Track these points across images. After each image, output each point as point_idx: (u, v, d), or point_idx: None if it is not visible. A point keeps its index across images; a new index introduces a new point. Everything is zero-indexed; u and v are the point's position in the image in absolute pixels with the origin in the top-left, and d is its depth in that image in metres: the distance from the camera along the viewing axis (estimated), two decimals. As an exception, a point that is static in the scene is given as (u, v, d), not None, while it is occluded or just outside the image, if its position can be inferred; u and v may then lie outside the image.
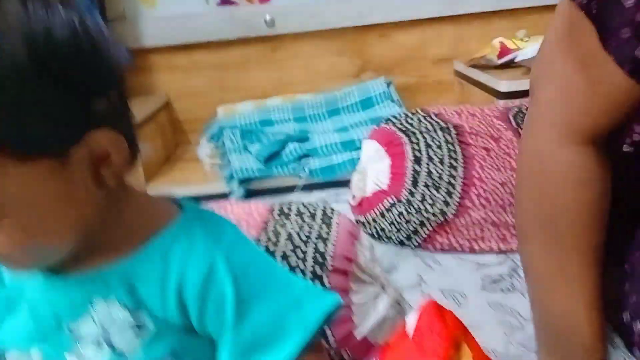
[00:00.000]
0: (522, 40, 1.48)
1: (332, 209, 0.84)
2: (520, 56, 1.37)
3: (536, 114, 0.67)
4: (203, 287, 0.47)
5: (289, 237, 0.75)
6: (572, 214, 0.63)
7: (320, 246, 0.74)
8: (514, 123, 1.08)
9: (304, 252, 0.73)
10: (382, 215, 1.03)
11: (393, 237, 1.03)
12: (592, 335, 0.64)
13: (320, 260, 0.72)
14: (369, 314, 0.75)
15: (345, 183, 1.22)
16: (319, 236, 0.76)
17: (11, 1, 0.39)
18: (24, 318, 0.49)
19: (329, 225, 0.79)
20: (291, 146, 1.34)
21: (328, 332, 0.70)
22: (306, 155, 1.33)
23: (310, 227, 0.78)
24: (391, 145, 1.05)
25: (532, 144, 0.67)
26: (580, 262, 0.64)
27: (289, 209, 0.83)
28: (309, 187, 1.31)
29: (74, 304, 0.47)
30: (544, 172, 0.64)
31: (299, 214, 0.82)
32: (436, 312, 0.55)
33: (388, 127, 1.10)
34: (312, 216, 0.81)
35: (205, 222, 0.51)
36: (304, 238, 0.75)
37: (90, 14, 0.44)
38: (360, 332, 0.73)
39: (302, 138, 1.38)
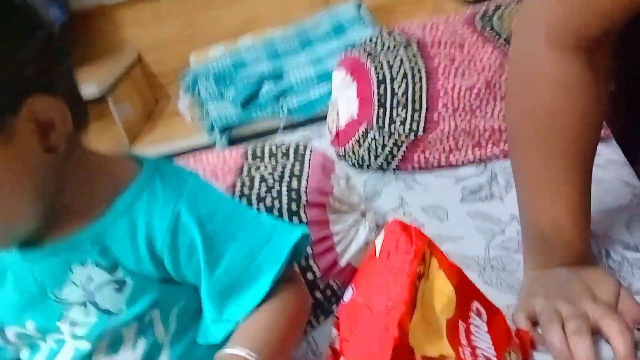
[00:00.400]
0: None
1: (305, 146, 0.85)
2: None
3: (527, 17, 0.64)
4: (171, 236, 0.49)
5: (263, 179, 0.76)
6: (563, 119, 0.62)
7: (294, 183, 0.76)
8: (479, 26, 1.06)
9: (278, 192, 0.75)
10: (358, 144, 1.04)
11: (372, 164, 1.04)
12: (576, 237, 0.64)
13: (295, 196, 0.74)
14: (351, 242, 0.78)
15: (325, 118, 1.22)
16: (292, 174, 0.77)
17: None
18: (10, 293, 0.52)
19: (301, 162, 0.80)
20: (267, 86, 1.33)
21: (312, 264, 0.73)
22: (283, 94, 1.32)
23: (283, 167, 0.79)
24: (356, 70, 1.05)
25: (522, 48, 0.64)
26: (569, 168, 0.63)
27: (262, 151, 0.84)
28: (291, 127, 1.31)
29: (54, 272, 0.50)
30: (534, 77, 0.62)
31: (272, 154, 0.83)
32: (401, 230, 0.56)
33: (353, 53, 1.09)
34: (285, 155, 0.82)
35: (165, 174, 0.52)
36: (277, 178, 0.76)
37: None
38: (343, 260, 0.77)
39: (277, 75, 1.36)
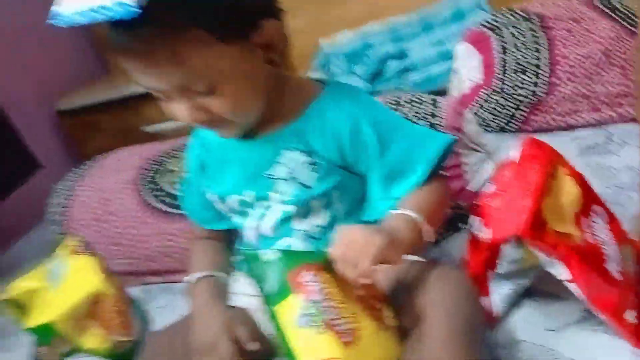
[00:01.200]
0: None
1: (437, 95, 1.00)
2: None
3: None
4: (351, 133, 0.66)
5: (405, 117, 0.92)
6: None
7: (431, 119, 0.91)
8: (597, 2, 1.15)
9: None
10: (481, 106, 1.16)
11: (493, 125, 1.16)
12: None
13: (433, 129, 0.89)
14: (478, 173, 0.91)
15: (446, 92, 1.35)
16: (428, 113, 0.92)
17: None
18: (234, 171, 0.71)
19: (434, 106, 0.95)
20: (392, 64, 1.49)
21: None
22: (407, 70, 1.47)
23: (420, 109, 0.94)
24: (479, 42, 1.17)
25: None
26: None
27: (399, 99, 1.00)
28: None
29: (267, 156, 0.68)
30: None
31: (410, 101, 0.99)
32: (534, 145, 0.69)
33: (476, 29, 1.22)
34: (421, 101, 0.98)
35: (345, 89, 0.70)
36: (417, 116, 0.92)
37: None
38: (471, 187, 0.90)
39: (401, 55, 1.52)
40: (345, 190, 0.69)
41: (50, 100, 1.72)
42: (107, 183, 1.03)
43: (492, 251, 0.67)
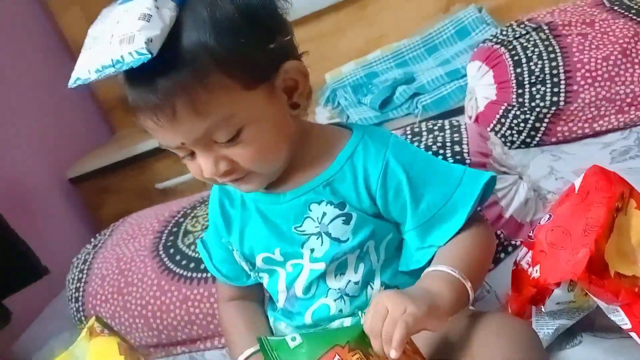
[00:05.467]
0: None
1: (458, 120, 0.95)
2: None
3: None
4: (383, 179, 0.61)
5: (427, 148, 0.87)
6: None
7: (456, 147, 0.86)
8: (608, 4, 1.11)
9: (443, 155, 0.85)
10: (500, 123, 1.11)
11: (516, 141, 1.11)
12: None
13: (459, 157, 0.84)
14: (513, 198, 0.86)
15: (459, 110, 1.31)
16: (452, 141, 0.87)
17: None
18: (260, 228, 0.66)
19: (459, 132, 0.90)
20: (400, 89, 1.45)
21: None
22: (416, 94, 1.43)
23: (442, 137, 0.89)
24: (490, 59, 1.13)
25: None
26: None
27: (419, 128, 0.95)
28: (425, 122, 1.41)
29: (296, 211, 0.63)
30: None
31: (429, 130, 0.94)
32: (600, 173, 0.62)
33: (485, 45, 1.18)
34: (441, 129, 0.93)
35: (372, 133, 0.65)
36: (440, 145, 0.87)
37: None
38: (507, 213, 0.84)
39: (409, 79, 1.48)
40: (379, 240, 0.64)
41: (62, 169, 1.70)
42: (124, 252, 0.99)
43: (540, 291, 0.61)
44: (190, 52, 0.52)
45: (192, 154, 0.58)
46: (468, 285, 0.57)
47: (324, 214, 0.62)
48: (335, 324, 0.65)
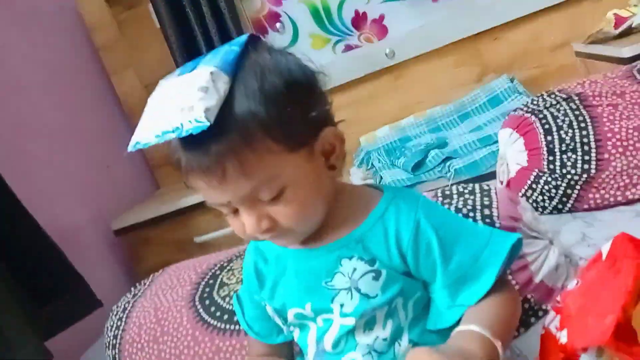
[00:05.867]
0: (635, 6, 1.50)
1: (488, 184, 0.97)
2: (636, 21, 1.40)
3: None
4: (414, 238, 0.64)
5: (457, 210, 0.89)
6: None
7: (486, 211, 0.88)
8: (638, 76, 1.14)
9: (473, 218, 0.87)
10: (532, 189, 1.13)
11: (547, 207, 1.12)
12: None
13: (488, 221, 0.86)
14: (543, 263, 0.86)
15: (490, 175, 1.33)
16: (482, 204, 0.90)
17: (263, 51, 0.62)
18: (292, 283, 0.69)
19: (489, 196, 0.92)
20: (433, 152, 1.49)
21: (511, 278, 0.82)
22: (449, 158, 1.47)
23: (473, 200, 0.92)
24: (522, 126, 1.17)
25: None
26: None
27: (450, 191, 0.98)
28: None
29: (328, 266, 0.66)
30: None
31: (460, 193, 0.97)
32: (628, 241, 0.64)
33: (516, 114, 1.22)
34: (472, 192, 0.95)
35: (403, 194, 0.69)
36: (470, 208, 0.89)
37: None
38: (538, 278, 0.85)
39: (441, 144, 1.52)
40: (408, 298, 0.66)
41: (107, 221, 1.79)
42: (162, 302, 1.03)
43: (568, 356, 0.61)
44: (241, 119, 0.57)
45: (236, 212, 0.63)
46: (498, 344, 0.58)
47: (355, 269, 0.65)
48: (362, 379, 0.66)
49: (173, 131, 0.55)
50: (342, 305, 0.66)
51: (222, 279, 1.02)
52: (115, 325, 1.05)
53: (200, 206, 1.65)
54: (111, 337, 1.04)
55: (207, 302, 0.98)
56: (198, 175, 0.59)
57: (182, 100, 0.55)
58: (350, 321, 0.65)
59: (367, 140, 1.71)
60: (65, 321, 1.23)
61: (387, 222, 0.65)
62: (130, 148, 0.58)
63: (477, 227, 0.68)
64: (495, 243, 0.64)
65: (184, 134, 0.54)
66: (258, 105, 0.58)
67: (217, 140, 0.56)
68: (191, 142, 0.56)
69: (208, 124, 0.54)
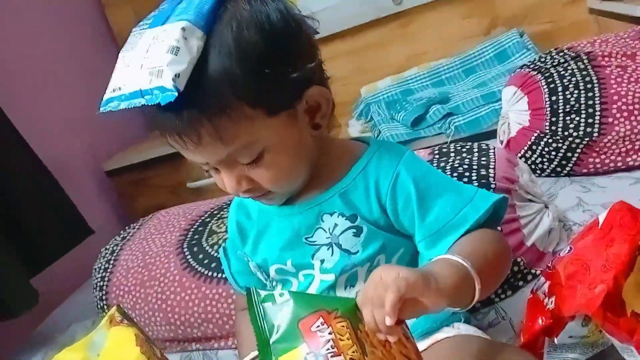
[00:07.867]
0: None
1: (487, 144, 0.95)
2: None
3: None
4: (392, 189, 0.62)
5: (453, 169, 0.87)
6: None
7: (482, 172, 0.86)
8: (651, 34, 1.09)
9: (468, 177, 0.85)
10: (531, 150, 1.10)
11: (546, 169, 1.10)
12: None
13: (484, 181, 0.84)
14: (536, 226, 0.85)
15: (491, 134, 1.30)
16: (479, 164, 0.87)
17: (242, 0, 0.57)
18: (274, 239, 0.68)
19: (487, 156, 0.90)
20: (434, 108, 1.45)
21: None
22: (450, 114, 1.43)
23: (470, 160, 0.89)
24: (526, 85, 1.12)
25: None
26: None
27: (447, 149, 0.96)
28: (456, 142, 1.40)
29: (309, 222, 0.65)
30: None
31: (457, 151, 0.94)
32: (626, 210, 0.62)
33: (522, 71, 1.17)
34: (469, 151, 0.93)
35: (387, 147, 0.66)
36: (466, 167, 0.87)
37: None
38: (529, 241, 0.84)
39: (443, 99, 1.48)
40: (391, 254, 0.65)
41: (99, 162, 1.77)
42: (151, 246, 1.02)
43: (555, 322, 0.60)
44: (215, 82, 0.54)
45: (217, 169, 0.61)
46: (473, 273, 0.53)
47: (336, 225, 0.64)
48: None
49: (143, 96, 0.52)
50: (322, 261, 0.65)
51: (211, 226, 1.02)
52: (103, 267, 1.05)
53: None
54: (99, 279, 1.04)
55: (195, 249, 0.98)
56: (172, 137, 0.57)
57: (151, 61, 0.52)
58: (330, 277, 0.65)
59: (367, 91, 1.67)
60: (57, 250, 1.23)
61: (368, 174, 0.63)
62: (102, 109, 0.55)
63: (462, 185, 0.65)
64: (479, 200, 0.62)
65: (152, 103, 0.51)
66: (233, 66, 0.54)
67: (190, 105, 0.53)
68: (165, 104, 0.52)
69: (176, 93, 0.51)
